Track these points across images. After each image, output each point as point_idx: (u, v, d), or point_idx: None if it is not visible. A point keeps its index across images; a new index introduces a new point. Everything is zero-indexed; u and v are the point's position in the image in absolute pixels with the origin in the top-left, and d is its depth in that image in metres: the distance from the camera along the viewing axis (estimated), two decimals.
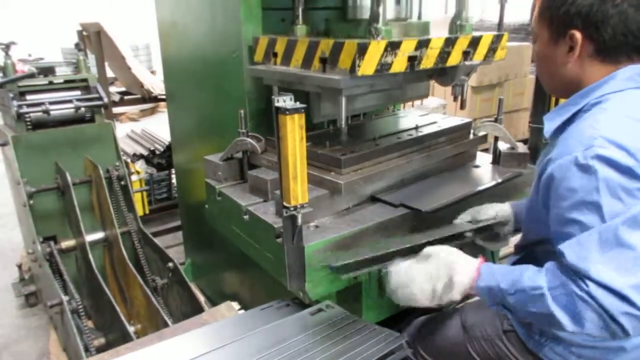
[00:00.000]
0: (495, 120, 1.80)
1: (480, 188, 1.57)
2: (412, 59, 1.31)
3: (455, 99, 1.64)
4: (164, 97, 3.03)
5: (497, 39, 1.52)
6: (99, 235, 2.23)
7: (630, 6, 0.93)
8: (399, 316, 1.50)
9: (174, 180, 3.64)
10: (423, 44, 1.32)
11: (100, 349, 1.70)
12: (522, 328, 1.13)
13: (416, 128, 1.71)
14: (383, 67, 1.25)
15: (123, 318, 1.66)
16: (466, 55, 1.45)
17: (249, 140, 1.55)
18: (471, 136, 1.81)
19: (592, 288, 0.85)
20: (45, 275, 1.93)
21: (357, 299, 1.39)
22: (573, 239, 0.89)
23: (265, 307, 1.32)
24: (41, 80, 2.18)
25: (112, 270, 2.19)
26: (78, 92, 2.26)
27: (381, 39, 1.24)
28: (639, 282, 0.83)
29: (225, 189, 1.57)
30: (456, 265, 1.06)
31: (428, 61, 1.36)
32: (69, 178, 2.03)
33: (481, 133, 1.82)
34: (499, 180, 1.64)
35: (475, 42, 1.46)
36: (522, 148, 1.81)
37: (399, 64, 1.29)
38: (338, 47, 1.26)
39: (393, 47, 1.26)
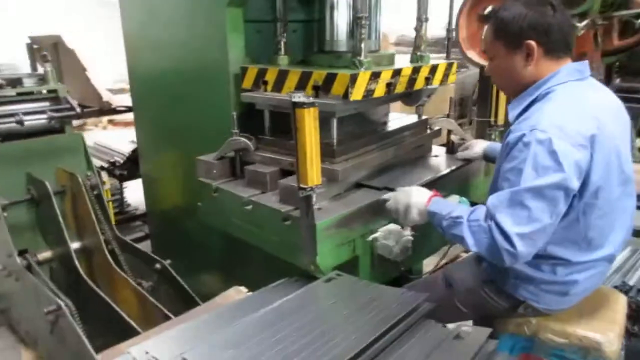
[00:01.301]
0: (448, 116, 2.12)
1: (443, 172, 1.84)
2: (388, 85, 1.60)
3: (418, 116, 1.96)
4: (123, 109, 3.07)
5: (449, 67, 1.88)
6: (75, 245, 2.24)
7: (562, 15, 1.26)
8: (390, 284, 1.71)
9: (126, 194, 3.64)
10: (396, 73, 1.62)
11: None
12: (499, 275, 1.40)
13: (385, 124, 1.96)
14: (368, 93, 1.52)
15: (125, 315, 1.72)
16: (427, 80, 1.78)
17: (243, 139, 1.71)
18: (428, 130, 2.09)
19: (493, 227, 1.19)
20: (29, 287, 1.93)
21: (353, 271, 1.58)
22: (497, 193, 1.22)
23: (277, 284, 1.47)
24: (8, 92, 2.18)
25: (92, 279, 2.21)
26: (47, 103, 2.27)
27: (365, 70, 1.49)
28: (522, 232, 1.17)
29: (222, 185, 1.71)
30: (413, 193, 1.42)
31: (400, 86, 1.66)
32: (49, 187, 2.04)
33: (436, 127, 2.11)
34: (457, 166, 1.92)
35: (434, 70, 1.79)
36: (470, 138, 2.12)
37: (380, 90, 1.57)
38: (331, 77, 1.49)
39: (375, 76, 1.53)
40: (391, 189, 1.59)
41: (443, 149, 2.14)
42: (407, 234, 1.54)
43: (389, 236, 1.52)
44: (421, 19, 1.82)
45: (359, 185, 1.70)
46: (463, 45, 3.64)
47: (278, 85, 1.65)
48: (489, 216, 1.21)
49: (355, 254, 1.53)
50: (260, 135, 1.75)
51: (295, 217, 1.43)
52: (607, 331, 1.34)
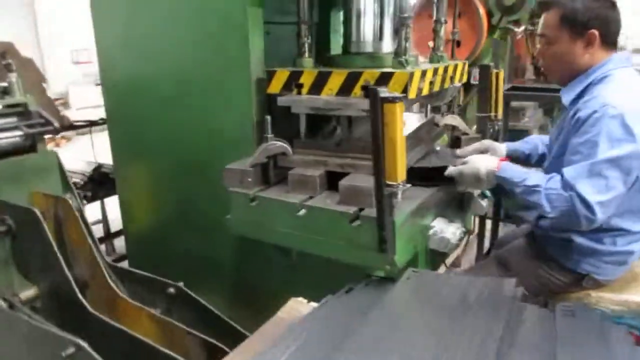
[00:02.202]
0: (453, 113, 2.20)
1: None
2: (430, 84, 1.60)
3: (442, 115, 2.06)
4: (81, 124, 2.76)
5: (464, 66, 1.96)
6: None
7: (617, 11, 1.42)
8: None
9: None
10: (435, 72, 1.65)
11: None
12: (561, 251, 1.48)
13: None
14: (419, 91, 1.52)
15: (152, 342, 1.55)
16: (452, 79, 1.82)
17: (281, 143, 1.62)
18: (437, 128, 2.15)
19: (574, 196, 1.30)
20: (29, 333, 1.64)
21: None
22: (573, 165, 1.33)
23: (345, 291, 1.41)
24: None
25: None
26: (14, 119, 1.97)
27: (411, 69, 1.49)
28: (602, 200, 1.29)
29: (261, 193, 1.61)
30: (482, 158, 1.53)
31: (437, 85, 1.69)
32: (38, 214, 1.76)
33: (442, 123, 2.17)
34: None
35: (455, 69, 1.85)
36: (473, 133, 2.22)
37: (426, 88, 1.58)
38: (387, 76, 1.46)
39: (423, 75, 1.54)
40: (443, 168, 1.61)
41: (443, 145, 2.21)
42: (459, 226, 1.57)
43: (446, 229, 1.53)
44: (440, 21, 1.87)
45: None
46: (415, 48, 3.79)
47: (317, 88, 1.59)
48: (568, 186, 1.31)
49: (416, 250, 1.52)
50: (295, 139, 1.68)
51: (365, 217, 1.38)
52: None
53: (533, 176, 1.40)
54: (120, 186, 2.41)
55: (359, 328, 1.11)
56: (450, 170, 1.57)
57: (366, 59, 1.70)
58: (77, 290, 1.75)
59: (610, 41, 1.45)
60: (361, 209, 1.42)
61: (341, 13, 2.06)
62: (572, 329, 1.10)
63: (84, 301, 1.73)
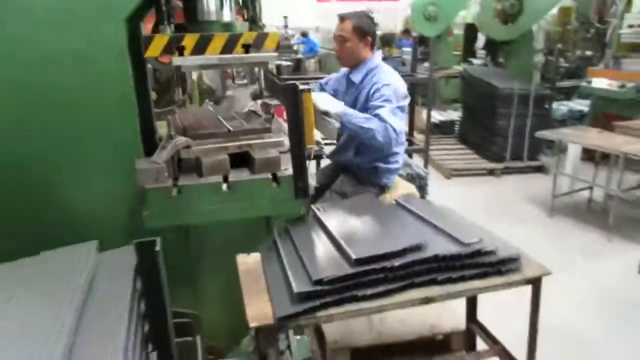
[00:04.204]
0: None
1: None
2: None
3: None
4: None
5: None
6: None
7: (375, 28, 2.36)
8: None
9: None
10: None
11: None
12: (372, 175, 2.45)
13: None
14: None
15: None
16: None
17: (186, 138, 1.91)
18: None
19: (388, 125, 2.24)
20: None
21: None
22: (380, 109, 2.25)
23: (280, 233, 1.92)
24: None
25: None
26: None
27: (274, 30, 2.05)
28: (400, 129, 2.30)
29: (183, 183, 1.87)
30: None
31: None
32: None
33: None
34: None
35: None
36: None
37: None
38: (262, 36, 1.95)
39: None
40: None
41: None
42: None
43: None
44: None
45: None
46: None
47: (199, 50, 1.90)
48: (383, 121, 2.23)
49: None
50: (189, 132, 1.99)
51: (283, 177, 1.91)
52: None
53: (367, 116, 2.26)
54: None
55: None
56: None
57: (220, 26, 2.06)
58: None
59: (374, 44, 2.43)
60: (273, 174, 1.94)
61: None
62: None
63: None
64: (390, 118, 2.24)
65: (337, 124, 2.28)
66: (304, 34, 12.16)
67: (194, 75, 3.56)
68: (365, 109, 2.35)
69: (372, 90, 2.33)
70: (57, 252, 1.02)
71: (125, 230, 1.95)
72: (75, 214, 1.95)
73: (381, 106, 2.25)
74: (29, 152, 1.89)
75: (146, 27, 2.22)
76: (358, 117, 2.25)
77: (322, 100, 2.28)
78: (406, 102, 2.35)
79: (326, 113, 2.28)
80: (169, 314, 0.98)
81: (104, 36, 1.85)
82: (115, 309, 0.80)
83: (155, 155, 1.90)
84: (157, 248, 0.93)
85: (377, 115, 2.24)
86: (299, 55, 10.27)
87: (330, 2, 17.75)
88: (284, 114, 2.09)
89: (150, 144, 2.05)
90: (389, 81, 2.31)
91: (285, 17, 12.22)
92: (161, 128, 2.18)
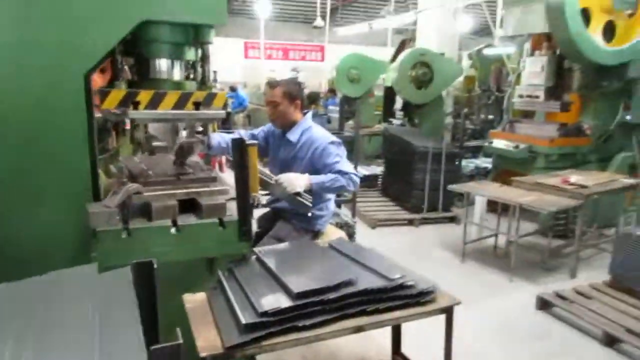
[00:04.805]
0: None
1: None
2: None
3: None
4: None
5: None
6: None
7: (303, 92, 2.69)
8: None
9: None
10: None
11: None
12: (305, 221, 2.67)
13: None
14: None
15: None
16: None
17: (137, 184, 2.06)
18: None
19: (352, 176, 2.59)
20: None
21: None
22: (339, 164, 2.58)
23: (229, 270, 2.07)
24: None
25: None
26: None
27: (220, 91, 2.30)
28: (354, 171, 2.62)
29: (133, 226, 1.99)
30: (297, 179, 2.48)
31: None
32: None
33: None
34: None
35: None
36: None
37: None
38: (212, 96, 2.19)
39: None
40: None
41: None
42: None
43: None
44: None
45: None
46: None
47: (153, 104, 2.10)
48: (346, 173, 2.57)
49: None
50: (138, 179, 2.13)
51: (228, 222, 2.10)
52: None
53: (332, 176, 2.55)
54: None
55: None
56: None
57: (172, 84, 2.29)
58: None
59: (303, 106, 2.76)
60: (220, 219, 2.12)
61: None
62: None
63: None
64: (348, 167, 2.61)
65: (309, 200, 2.47)
66: (233, 89, 12.52)
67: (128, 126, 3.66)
68: (311, 164, 2.66)
69: (317, 151, 2.64)
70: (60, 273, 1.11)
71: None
72: (23, 249, 2.00)
73: (336, 162, 2.59)
74: None
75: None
76: (325, 181, 2.54)
77: (290, 184, 2.43)
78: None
79: (298, 193, 2.44)
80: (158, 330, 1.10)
81: (64, 86, 1.99)
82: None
83: (107, 199, 2.03)
84: (155, 266, 1.08)
85: (339, 171, 2.56)
86: (228, 110, 10.54)
87: (258, 58, 18.51)
88: (217, 164, 2.34)
89: (95, 188, 2.17)
90: (328, 138, 2.65)
91: (215, 72, 12.50)
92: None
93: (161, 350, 0.71)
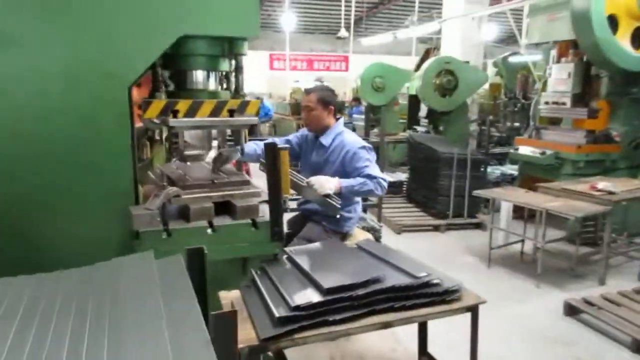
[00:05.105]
0: None
1: None
2: None
3: None
4: None
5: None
6: None
7: (337, 98, 2.78)
8: None
9: None
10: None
11: None
12: (334, 223, 2.77)
13: None
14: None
15: None
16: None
17: (176, 187, 2.20)
18: None
19: (380, 180, 2.67)
20: None
21: None
22: (368, 167, 2.67)
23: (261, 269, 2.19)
24: None
25: None
26: None
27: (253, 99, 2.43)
28: (383, 176, 2.70)
29: (172, 227, 2.13)
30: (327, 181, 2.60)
31: None
32: None
33: None
34: None
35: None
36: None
37: None
38: (245, 103, 2.32)
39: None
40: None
41: None
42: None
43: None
44: None
45: None
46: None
47: (191, 113, 2.24)
48: (374, 178, 2.66)
49: None
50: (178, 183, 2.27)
51: (261, 223, 2.21)
52: None
53: (360, 180, 2.65)
54: None
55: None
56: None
57: (208, 94, 2.42)
58: None
59: (336, 112, 2.86)
60: (252, 220, 2.24)
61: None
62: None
63: None
64: (377, 172, 2.70)
65: (339, 203, 2.54)
66: (259, 100, 12.77)
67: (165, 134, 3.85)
68: (342, 167, 2.78)
69: (348, 155, 2.76)
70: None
71: None
72: (70, 250, 2.14)
73: (366, 166, 2.70)
74: (28, 194, 2.11)
75: None
76: (354, 185, 2.65)
77: (320, 186, 2.53)
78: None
79: (327, 195, 2.52)
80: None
81: (109, 99, 2.15)
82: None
83: (148, 202, 2.17)
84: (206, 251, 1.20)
85: (368, 175, 2.66)
86: None
87: (283, 70, 18.82)
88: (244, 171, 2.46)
89: (136, 194, 2.32)
90: (359, 143, 2.77)
91: None
92: None
93: (221, 315, 0.81)
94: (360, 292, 1.89)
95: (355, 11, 15.62)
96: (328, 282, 1.90)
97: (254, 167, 3.49)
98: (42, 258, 2.07)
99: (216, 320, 0.82)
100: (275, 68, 20.13)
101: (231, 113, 2.31)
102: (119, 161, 2.21)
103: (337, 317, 1.83)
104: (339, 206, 2.50)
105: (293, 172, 2.62)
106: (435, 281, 2.02)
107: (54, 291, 1.02)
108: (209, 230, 2.17)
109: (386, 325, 1.91)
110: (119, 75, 2.16)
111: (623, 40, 4.95)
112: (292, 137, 3.11)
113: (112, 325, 0.84)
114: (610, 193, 4.23)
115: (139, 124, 2.48)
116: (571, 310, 3.65)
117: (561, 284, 4.27)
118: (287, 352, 2.25)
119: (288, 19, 15.21)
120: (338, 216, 2.71)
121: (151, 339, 0.77)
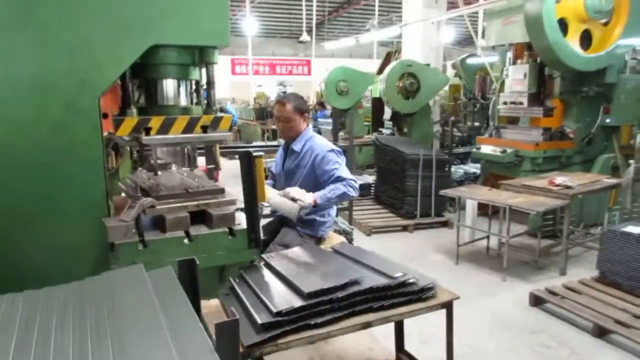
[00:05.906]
0: None
1: None
2: None
3: None
4: None
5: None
6: None
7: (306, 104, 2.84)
8: None
9: None
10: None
11: None
12: (311, 227, 2.80)
13: None
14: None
15: None
16: None
17: (151, 198, 2.17)
18: None
19: (350, 182, 2.74)
20: None
21: None
22: (338, 170, 2.73)
23: (239, 277, 2.19)
24: None
25: None
26: None
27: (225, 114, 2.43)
28: (353, 177, 2.77)
29: (148, 238, 2.11)
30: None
31: None
32: None
33: None
34: None
35: None
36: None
37: None
38: (218, 119, 2.31)
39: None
40: None
41: None
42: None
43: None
44: None
45: None
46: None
47: (164, 130, 2.20)
48: (343, 180, 2.73)
49: None
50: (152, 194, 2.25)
51: (238, 230, 2.22)
52: None
53: (331, 187, 2.70)
54: None
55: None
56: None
57: (179, 109, 2.39)
58: None
59: (307, 118, 2.90)
60: (229, 228, 2.24)
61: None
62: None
63: None
64: (347, 174, 2.78)
65: (296, 208, 2.60)
66: (222, 110, 12.70)
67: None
68: (312, 171, 2.83)
69: (317, 158, 2.81)
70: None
71: None
72: (44, 262, 2.10)
73: (335, 168, 2.76)
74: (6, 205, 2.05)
75: None
76: (327, 194, 2.70)
77: (295, 192, 2.64)
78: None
79: (293, 199, 2.61)
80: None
81: (80, 109, 2.11)
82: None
83: (123, 214, 2.14)
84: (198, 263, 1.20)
85: (338, 177, 2.72)
86: None
87: (246, 74, 18.73)
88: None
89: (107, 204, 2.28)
90: (328, 147, 2.84)
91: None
92: None
93: (223, 324, 0.83)
94: (340, 294, 1.93)
95: (317, 15, 15.75)
96: (308, 286, 1.94)
97: (222, 174, 3.48)
98: (16, 270, 2.02)
99: (219, 329, 0.84)
100: (237, 73, 20.01)
101: (204, 129, 2.31)
102: (91, 171, 2.16)
103: (319, 320, 1.87)
104: (295, 211, 2.61)
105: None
106: (411, 280, 2.08)
107: (48, 306, 1.01)
108: (186, 240, 2.15)
109: (366, 325, 1.96)
110: (90, 84, 2.12)
111: (573, 42, 5.22)
112: (275, 166, 3.19)
113: (114, 338, 0.85)
114: (568, 187, 4.44)
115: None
116: (536, 301, 3.82)
117: (526, 276, 4.45)
118: (266, 358, 2.27)
119: (249, 23, 15.17)
120: (313, 219, 2.78)
121: (157, 350, 0.78)
